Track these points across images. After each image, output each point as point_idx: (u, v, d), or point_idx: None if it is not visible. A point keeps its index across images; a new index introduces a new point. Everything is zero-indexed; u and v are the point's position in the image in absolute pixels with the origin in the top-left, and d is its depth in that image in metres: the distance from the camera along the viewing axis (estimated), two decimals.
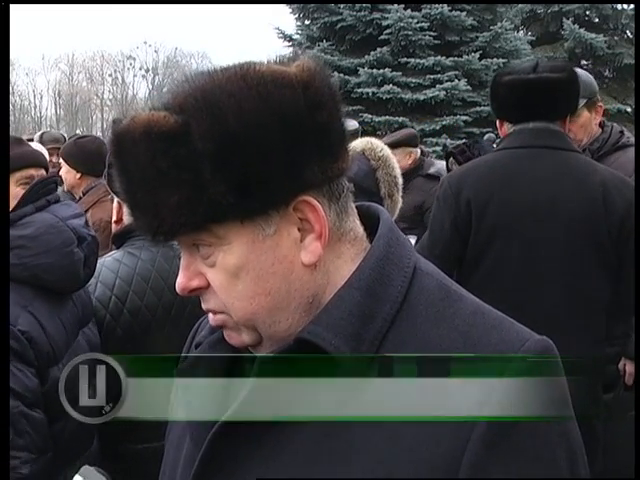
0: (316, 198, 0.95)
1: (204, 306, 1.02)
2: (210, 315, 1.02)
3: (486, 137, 6.19)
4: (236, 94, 0.90)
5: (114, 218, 2.55)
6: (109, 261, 2.42)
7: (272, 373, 0.95)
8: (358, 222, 1.04)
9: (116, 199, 2.52)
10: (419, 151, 6.26)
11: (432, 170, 5.94)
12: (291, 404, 0.96)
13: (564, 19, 17.98)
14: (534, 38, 18.24)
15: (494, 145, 4.63)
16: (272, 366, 0.95)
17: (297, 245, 0.96)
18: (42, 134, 6.93)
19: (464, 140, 9.14)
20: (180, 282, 0.99)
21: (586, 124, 3.34)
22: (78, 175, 4.62)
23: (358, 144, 2.40)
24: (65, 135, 7.80)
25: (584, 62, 18.42)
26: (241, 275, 0.95)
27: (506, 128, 2.73)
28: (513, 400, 0.88)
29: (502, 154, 2.69)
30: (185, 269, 0.99)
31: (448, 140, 14.27)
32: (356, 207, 1.05)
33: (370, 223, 1.05)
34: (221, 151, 0.89)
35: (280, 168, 0.91)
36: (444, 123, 14.86)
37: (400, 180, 2.52)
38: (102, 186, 4.40)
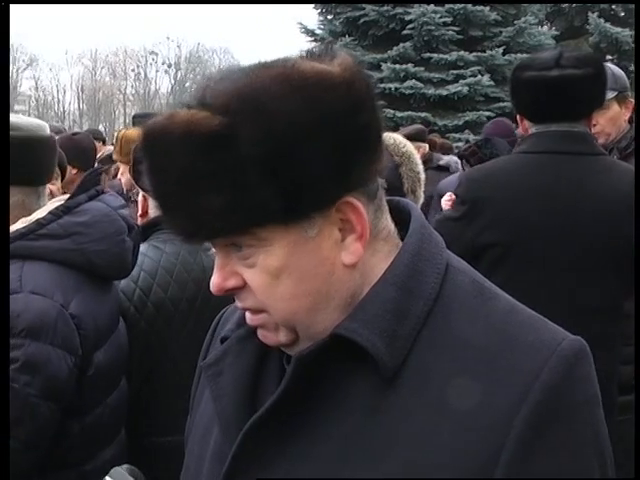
0: (357, 199, 0.94)
1: (240, 305, 1.00)
2: (248, 314, 1.01)
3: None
4: (282, 97, 0.87)
5: (139, 212, 2.57)
6: None
7: (309, 369, 0.95)
8: (390, 218, 1.03)
9: (141, 192, 2.53)
10: (427, 146, 6.73)
11: (442, 162, 6.47)
12: (325, 401, 0.96)
13: (589, 13, 17.79)
14: (558, 33, 18.07)
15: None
16: (308, 362, 0.95)
17: (338, 246, 0.95)
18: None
19: (475, 139, 9.13)
20: (216, 282, 0.97)
21: (615, 118, 3.23)
22: (74, 171, 4.67)
23: None
24: (64, 129, 7.92)
25: (609, 57, 18.22)
26: (282, 277, 0.93)
27: (527, 124, 2.63)
28: (549, 399, 0.88)
29: (522, 160, 2.58)
30: (221, 269, 0.97)
31: (471, 136, 14.20)
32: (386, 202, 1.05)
33: (400, 218, 1.04)
34: (269, 155, 0.86)
35: (326, 171, 0.90)
36: (467, 119, 14.79)
37: (422, 176, 2.51)
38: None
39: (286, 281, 0.93)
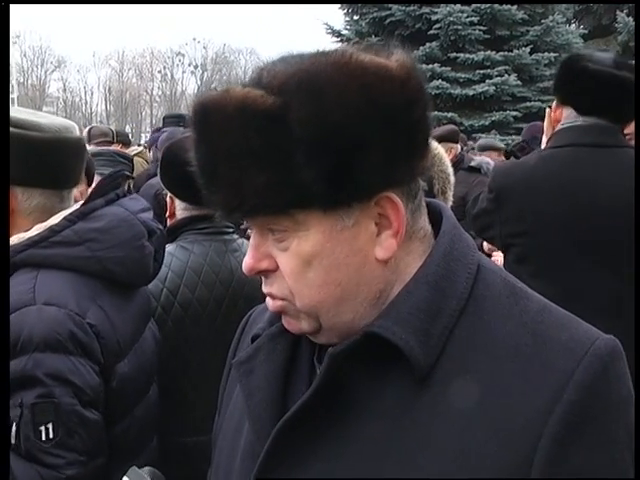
0: (398, 196, 0.95)
1: (265, 289, 1.01)
2: (268, 299, 1.01)
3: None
4: (339, 82, 0.88)
5: (167, 213, 2.56)
6: None
7: (342, 367, 0.95)
8: (427, 220, 1.03)
9: (169, 194, 2.54)
10: (459, 147, 6.72)
11: (473, 163, 6.35)
12: (358, 399, 0.96)
13: (617, 11, 17.59)
14: (586, 31, 17.90)
15: None
16: (342, 360, 0.95)
17: (373, 240, 0.96)
18: (90, 128, 7.01)
19: (513, 137, 9.11)
20: (248, 262, 0.98)
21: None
22: None
23: None
24: (113, 129, 7.92)
25: None
26: (314, 263, 0.94)
27: (562, 115, 2.61)
28: (584, 399, 0.87)
29: (547, 154, 2.59)
30: (255, 249, 0.98)
31: (497, 136, 14.12)
32: None
33: (432, 219, 1.05)
34: (319, 138, 0.88)
35: (372, 162, 0.90)
36: (493, 119, 14.71)
37: (452, 178, 2.52)
38: None
39: (317, 268, 0.94)
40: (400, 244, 0.96)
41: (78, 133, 1.93)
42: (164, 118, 7.83)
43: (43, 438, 1.63)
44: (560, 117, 2.63)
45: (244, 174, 0.90)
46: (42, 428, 1.63)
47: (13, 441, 1.61)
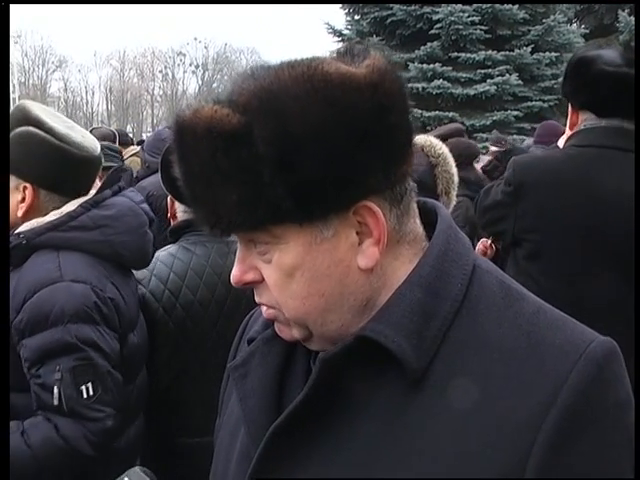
0: (377, 203, 0.93)
1: (257, 299, 1.02)
2: (263, 308, 1.02)
3: (525, 143, 6.38)
4: (302, 98, 0.87)
5: (169, 214, 2.57)
6: (164, 255, 2.44)
7: (334, 371, 0.94)
8: (418, 222, 1.02)
9: (169, 196, 2.54)
10: None
11: None
12: (351, 403, 0.95)
13: (619, 11, 17.55)
14: (588, 31, 17.84)
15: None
16: (334, 364, 0.94)
17: (354, 249, 0.95)
18: (91, 130, 6.94)
19: (514, 137, 9.09)
20: (235, 274, 0.99)
21: None
22: None
23: (417, 141, 2.40)
24: (115, 131, 7.89)
25: None
26: (296, 275, 0.94)
27: (579, 119, 2.57)
28: (578, 403, 0.86)
29: (571, 152, 2.54)
30: (240, 262, 0.99)
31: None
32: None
33: (427, 219, 1.04)
34: (282, 156, 0.87)
35: (342, 175, 0.89)
36: (495, 118, 14.67)
37: (456, 178, 2.51)
38: None
39: (300, 280, 0.94)
40: (384, 251, 0.95)
41: (99, 150, 2.20)
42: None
43: (84, 396, 1.89)
44: (577, 121, 2.58)
45: (217, 193, 0.91)
46: (83, 387, 1.89)
47: (56, 402, 1.86)
